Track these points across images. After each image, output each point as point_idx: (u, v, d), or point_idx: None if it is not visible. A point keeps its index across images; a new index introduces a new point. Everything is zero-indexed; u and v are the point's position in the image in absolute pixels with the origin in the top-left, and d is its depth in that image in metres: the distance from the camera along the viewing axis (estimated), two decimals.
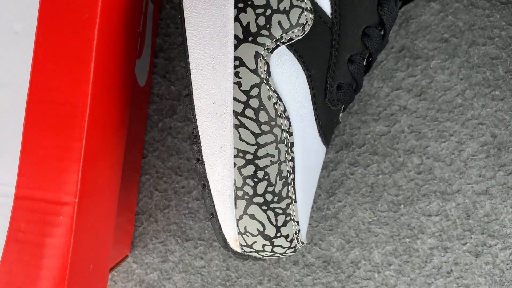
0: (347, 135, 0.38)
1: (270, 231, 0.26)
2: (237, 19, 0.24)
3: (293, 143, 0.26)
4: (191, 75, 0.24)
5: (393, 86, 0.37)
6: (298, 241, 0.28)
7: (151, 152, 0.38)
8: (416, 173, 0.37)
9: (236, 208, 0.26)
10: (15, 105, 0.23)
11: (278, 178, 0.26)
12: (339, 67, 0.27)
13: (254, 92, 0.25)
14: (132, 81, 0.32)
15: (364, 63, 0.28)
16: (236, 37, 0.24)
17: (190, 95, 0.24)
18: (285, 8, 0.25)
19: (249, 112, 0.25)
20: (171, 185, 0.38)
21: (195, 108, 0.25)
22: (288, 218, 0.27)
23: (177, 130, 0.38)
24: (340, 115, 0.30)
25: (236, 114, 0.25)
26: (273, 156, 0.26)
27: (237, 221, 0.26)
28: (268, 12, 0.24)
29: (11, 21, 0.23)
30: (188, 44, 0.24)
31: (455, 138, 0.37)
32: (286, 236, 0.27)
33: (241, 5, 0.24)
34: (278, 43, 0.25)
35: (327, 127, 0.28)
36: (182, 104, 0.35)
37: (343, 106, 0.29)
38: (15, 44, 0.23)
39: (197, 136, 0.25)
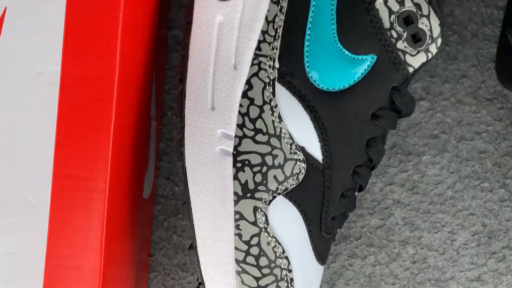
0: (345, 229, 0.40)
1: None
2: (235, 177, 0.26)
3: (292, 278, 0.28)
4: (195, 231, 0.26)
5: (386, 181, 0.39)
6: None
7: (158, 250, 0.40)
8: (411, 262, 0.39)
9: None
10: (33, 270, 0.25)
11: None
12: (333, 203, 0.29)
13: (254, 241, 0.26)
14: (140, 201, 0.34)
15: (356, 193, 0.30)
16: (235, 193, 0.26)
17: (194, 248, 0.26)
18: (279, 163, 0.27)
19: (250, 259, 0.27)
20: (178, 281, 0.40)
21: (199, 259, 0.26)
22: None
23: (182, 228, 0.40)
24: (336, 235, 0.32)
25: (238, 261, 0.26)
26: None
27: None
28: (264, 169, 0.26)
29: (26, 194, 0.25)
30: (191, 204, 0.26)
31: (447, 228, 0.39)
32: None
33: (239, 164, 0.26)
34: (275, 194, 0.27)
35: (324, 251, 0.30)
36: (188, 256, 0.37)
37: (338, 229, 0.31)
38: (30, 214, 0.25)
39: (202, 283, 0.27)
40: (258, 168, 0.26)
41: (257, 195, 0.26)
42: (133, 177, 0.29)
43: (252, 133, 0.26)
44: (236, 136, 0.26)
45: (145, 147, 0.32)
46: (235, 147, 0.26)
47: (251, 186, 0.26)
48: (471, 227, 0.39)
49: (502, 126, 0.39)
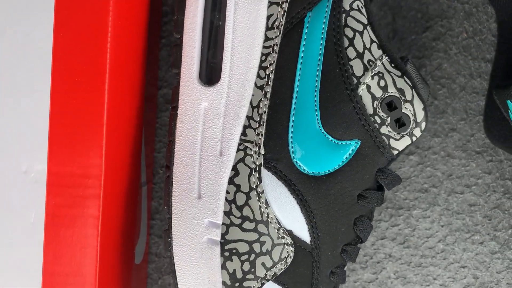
0: None
1: None
2: (223, 267, 0.26)
3: None
4: None
5: (378, 236, 0.39)
6: None
7: None
8: None
9: None
10: None
11: None
12: (322, 281, 0.29)
13: None
14: (132, 268, 0.34)
15: (345, 268, 0.30)
16: (224, 283, 0.26)
17: None
18: (267, 249, 0.27)
19: None
20: None
21: None
22: None
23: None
24: None
25: None
26: None
27: None
28: (252, 257, 0.26)
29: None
30: None
31: (438, 281, 0.39)
32: None
33: (226, 253, 0.26)
34: (263, 281, 0.27)
35: None
36: None
37: None
38: None
39: None
40: (246, 257, 0.26)
41: (245, 284, 0.26)
42: (123, 257, 0.30)
43: (239, 221, 0.26)
44: (223, 223, 0.26)
45: (136, 219, 0.33)
46: (223, 235, 0.26)
47: (239, 275, 0.26)
48: (462, 280, 0.39)
49: (491, 178, 0.39)
